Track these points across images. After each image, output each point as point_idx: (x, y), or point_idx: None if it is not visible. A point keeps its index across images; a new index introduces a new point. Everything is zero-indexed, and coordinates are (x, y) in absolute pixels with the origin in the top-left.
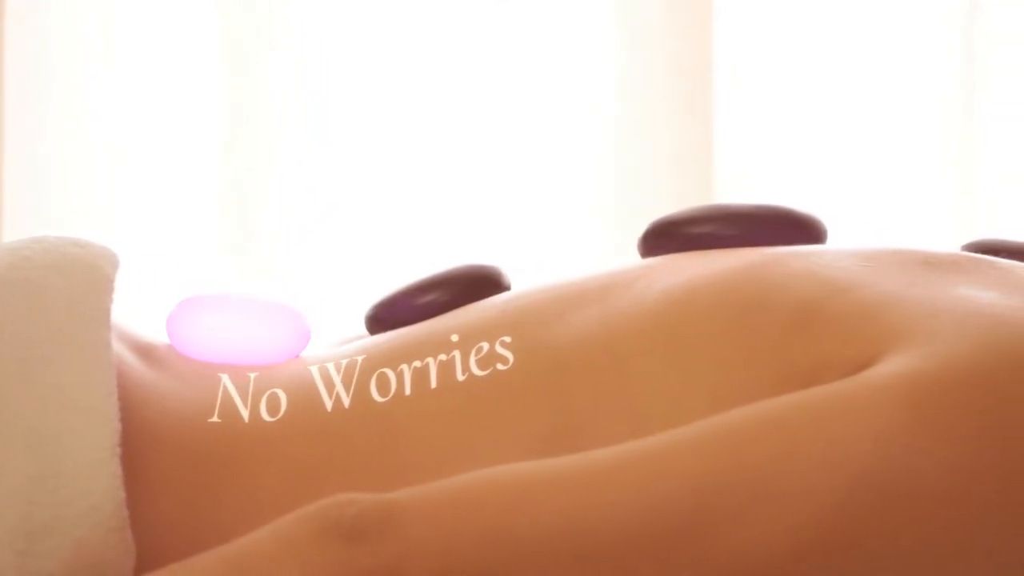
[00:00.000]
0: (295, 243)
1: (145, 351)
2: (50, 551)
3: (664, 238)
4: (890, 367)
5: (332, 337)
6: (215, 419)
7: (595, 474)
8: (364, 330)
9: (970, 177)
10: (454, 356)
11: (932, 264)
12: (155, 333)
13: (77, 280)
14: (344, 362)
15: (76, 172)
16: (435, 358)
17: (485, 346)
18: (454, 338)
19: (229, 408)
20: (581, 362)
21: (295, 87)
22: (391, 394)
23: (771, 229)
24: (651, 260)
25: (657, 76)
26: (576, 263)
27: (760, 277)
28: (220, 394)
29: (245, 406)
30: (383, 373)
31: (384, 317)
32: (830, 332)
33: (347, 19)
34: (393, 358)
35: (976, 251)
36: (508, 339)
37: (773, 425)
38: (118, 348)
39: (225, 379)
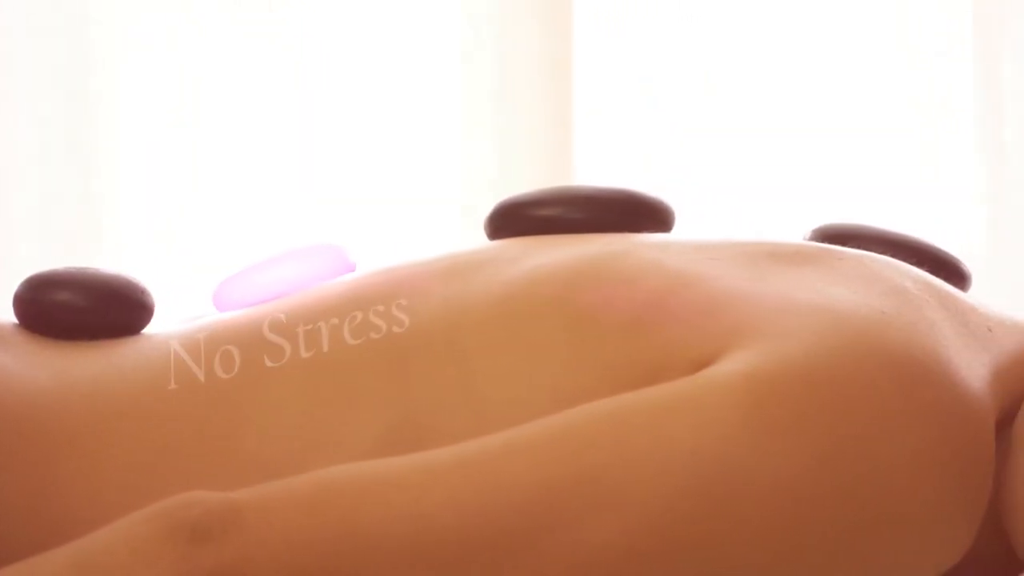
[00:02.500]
0: (147, 220)
1: None
2: None
3: (510, 220)
4: (730, 365)
5: (179, 315)
6: (57, 399)
7: (435, 475)
8: (211, 308)
9: (823, 164)
10: (294, 336)
11: (778, 256)
12: (1, 315)
13: None
14: (193, 339)
15: None
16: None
17: (323, 327)
18: (282, 318)
19: (74, 388)
20: (422, 355)
21: (153, 74)
22: (235, 371)
23: (618, 213)
24: (496, 244)
25: (519, 64)
26: (427, 244)
27: (603, 271)
28: (65, 374)
29: (93, 384)
30: (227, 351)
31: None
32: (673, 328)
33: (211, 6)
34: (233, 338)
35: (824, 238)
36: (351, 323)
37: (611, 426)
38: None
39: (73, 357)
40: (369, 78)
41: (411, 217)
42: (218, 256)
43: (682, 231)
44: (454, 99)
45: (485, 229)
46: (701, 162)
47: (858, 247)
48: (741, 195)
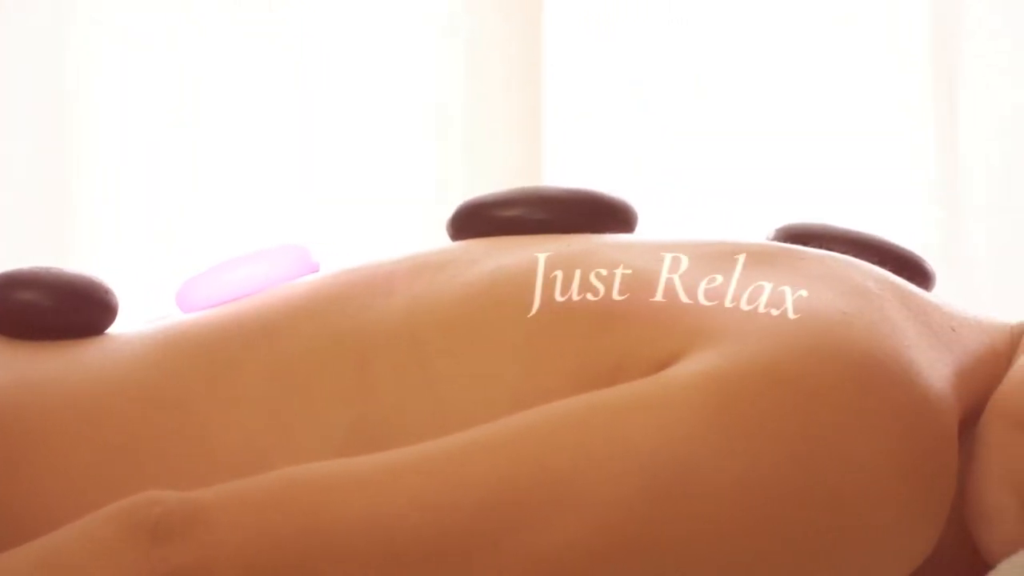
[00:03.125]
0: (111, 222)
1: None
2: None
3: (473, 221)
4: (692, 365)
5: (144, 315)
6: (21, 399)
7: (396, 475)
8: (175, 308)
9: (774, 165)
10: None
11: (739, 256)
12: None
13: None
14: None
15: None
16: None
17: (286, 333)
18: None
19: (38, 388)
20: (386, 355)
21: (120, 77)
22: (200, 372)
23: (581, 214)
24: (459, 245)
25: (488, 73)
26: (396, 244)
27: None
28: (30, 374)
29: (58, 385)
30: (195, 351)
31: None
32: (635, 327)
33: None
34: (201, 342)
35: (787, 238)
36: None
37: (573, 426)
38: None
39: (37, 357)
40: (338, 80)
41: (380, 217)
42: (187, 256)
43: (645, 231)
44: (425, 100)
45: (448, 230)
46: (670, 163)
47: (820, 247)
48: (708, 196)
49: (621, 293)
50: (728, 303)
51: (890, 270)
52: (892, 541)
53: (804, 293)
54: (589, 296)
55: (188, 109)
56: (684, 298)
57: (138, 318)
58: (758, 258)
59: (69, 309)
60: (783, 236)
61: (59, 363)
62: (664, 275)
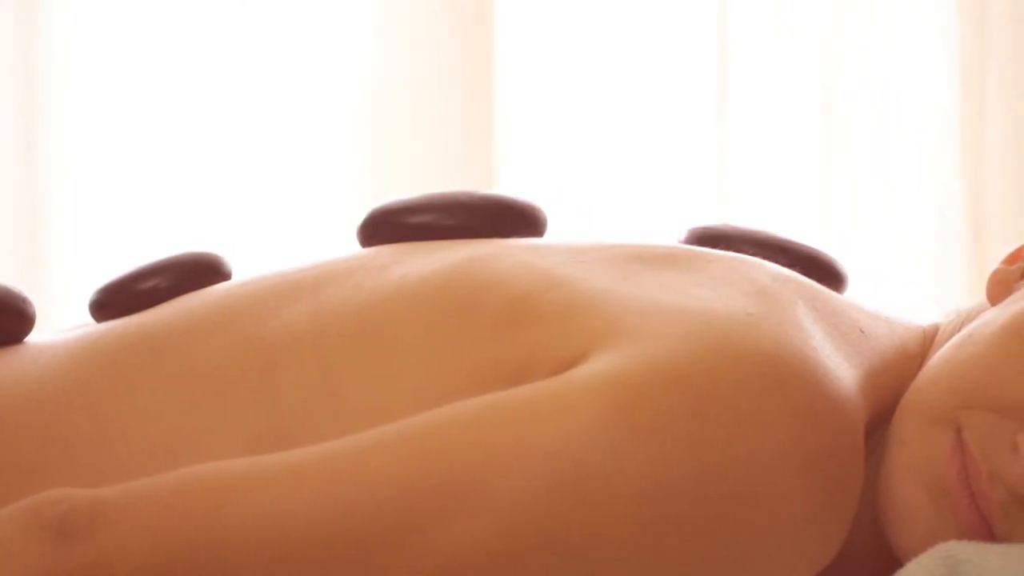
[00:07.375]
0: (20, 228)
1: None
2: None
3: (383, 227)
4: (595, 366)
5: (60, 324)
6: None
7: (299, 473)
8: (89, 316)
9: (720, 169)
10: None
11: (646, 259)
12: None
13: None
14: (73, 348)
15: None
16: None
17: (194, 341)
18: None
19: None
20: (290, 362)
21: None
22: (109, 382)
23: (490, 219)
24: (368, 251)
25: (432, 79)
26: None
27: (471, 274)
28: None
29: None
30: (106, 362)
31: (108, 303)
32: (540, 329)
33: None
34: (112, 351)
35: (698, 239)
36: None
37: (475, 425)
38: None
39: None
40: (258, 81)
41: (294, 223)
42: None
43: (554, 235)
44: (347, 102)
45: (357, 236)
46: (607, 169)
47: (729, 249)
48: (640, 198)
49: (526, 294)
50: (633, 304)
51: (800, 271)
52: (796, 541)
53: (711, 294)
54: (494, 297)
55: (116, 109)
56: (589, 299)
57: (54, 328)
58: (665, 260)
59: None
60: (693, 238)
61: None
62: (570, 277)
